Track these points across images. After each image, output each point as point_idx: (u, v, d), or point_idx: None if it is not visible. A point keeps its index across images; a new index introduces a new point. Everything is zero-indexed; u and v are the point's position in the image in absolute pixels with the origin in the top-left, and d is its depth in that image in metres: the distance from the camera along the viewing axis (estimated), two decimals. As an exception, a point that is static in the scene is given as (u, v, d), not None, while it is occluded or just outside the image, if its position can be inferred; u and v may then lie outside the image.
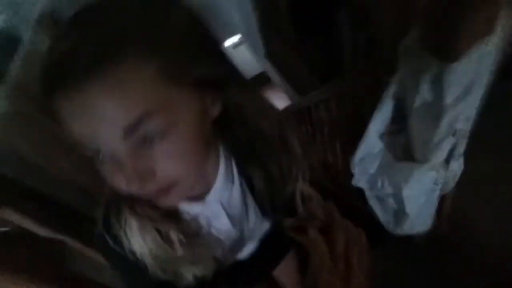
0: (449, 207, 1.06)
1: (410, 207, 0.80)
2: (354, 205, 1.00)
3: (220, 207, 0.49)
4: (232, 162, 0.49)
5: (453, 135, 0.74)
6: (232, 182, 0.49)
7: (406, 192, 0.77)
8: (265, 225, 0.55)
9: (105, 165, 0.33)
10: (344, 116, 1.32)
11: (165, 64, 0.31)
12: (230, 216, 0.50)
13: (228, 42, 4.02)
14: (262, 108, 0.46)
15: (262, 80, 3.65)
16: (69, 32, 0.30)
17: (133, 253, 0.41)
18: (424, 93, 0.76)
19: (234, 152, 0.49)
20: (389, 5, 0.92)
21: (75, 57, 0.28)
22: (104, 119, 0.29)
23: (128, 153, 0.31)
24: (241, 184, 0.51)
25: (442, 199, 0.91)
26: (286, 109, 1.83)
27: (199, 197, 0.46)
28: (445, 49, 0.67)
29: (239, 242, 0.54)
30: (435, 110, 0.76)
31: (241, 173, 0.50)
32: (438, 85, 0.72)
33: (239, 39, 3.87)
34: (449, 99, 0.72)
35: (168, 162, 0.33)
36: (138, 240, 0.41)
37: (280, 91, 2.84)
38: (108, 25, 0.29)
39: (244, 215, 0.52)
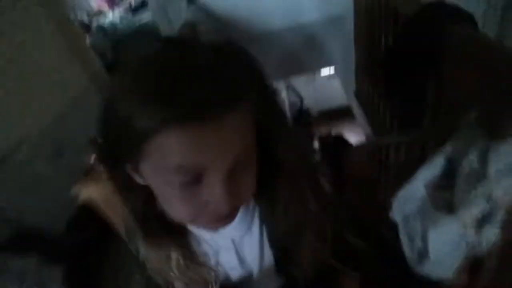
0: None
1: (433, 251, 0.93)
2: (387, 236, 1.14)
3: (231, 244, 0.50)
4: (255, 210, 0.50)
5: (488, 201, 0.85)
6: (250, 228, 0.50)
7: (432, 236, 0.91)
8: (276, 283, 0.54)
9: (185, 189, 0.34)
10: (411, 162, 1.46)
11: (255, 110, 0.36)
12: (239, 257, 0.52)
13: (323, 72, 4.30)
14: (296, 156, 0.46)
15: (345, 113, 3.83)
16: (205, 69, 0.31)
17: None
18: (472, 161, 0.89)
19: (259, 200, 0.49)
20: (469, 81, 1.06)
21: (214, 95, 0.30)
22: (226, 148, 0.33)
23: (225, 175, 0.34)
24: (261, 234, 0.51)
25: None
26: (359, 146, 2.00)
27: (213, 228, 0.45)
28: (496, 129, 0.80)
29: (245, 284, 0.54)
30: (479, 176, 0.88)
31: (263, 222, 0.51)
32: (484, 157, 0.85)
33: (333, 71, 4.10)
34: (492, 171, 0.84)
35: (246, 190, 0.39)
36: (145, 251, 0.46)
37: (358, 127, 2.98)
38: (236, 71, 0.33)
39: (256, 264, 0.53)
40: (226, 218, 0.39)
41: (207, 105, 0.30)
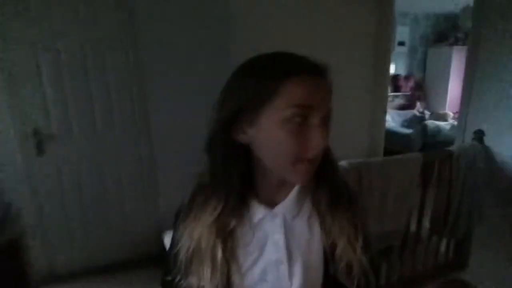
0: None
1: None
2: None
3: (282, 222, 0.55)
4: (308, 197, 0.58)
5: None
6: (301, 211, 0.57)
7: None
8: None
9: (296, 126, 0.47)
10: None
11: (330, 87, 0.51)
12: (287, 244, 0.54)
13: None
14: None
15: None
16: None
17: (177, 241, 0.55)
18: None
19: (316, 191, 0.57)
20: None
21: (321, 64, 0.50)
22: (326, 97, 0.49)
23: (323, 121, 0.48)
24: (311, 224, 0.56)
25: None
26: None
27: (271, 204, 0.55)
28: None
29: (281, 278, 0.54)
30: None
31: (316, 211, 0.57)
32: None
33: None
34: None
35: (327, 141, 0.50)
36: (188, 232, 0.54)
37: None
38: None
39: (302, 258, 0.55)
40: (315, 162, 0.50)
41: (317, 67, 0.49)
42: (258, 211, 0.55)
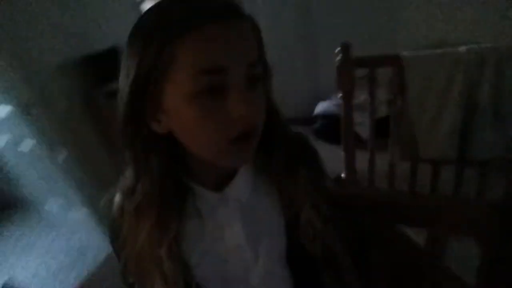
0: None
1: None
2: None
3: (236, 206, 0.49)
4: (261, 175, 0.51)
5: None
6: (256, 191, 0.50)
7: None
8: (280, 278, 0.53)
9: (212, 98, 0.37)
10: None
11: (259, 39, 0.42)
12: (247, 229, 0.49)
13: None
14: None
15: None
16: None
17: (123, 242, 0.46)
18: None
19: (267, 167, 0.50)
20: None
21: (227, 5, 0.37)
22: (242, 51, 0.38)
23: (244, 82, 0.38)
24: (269, 201, 0.51)
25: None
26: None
27: (218, 187, 0.48)
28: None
29: (246, 272, 0.51)
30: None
31: (273, 187, 0.51)
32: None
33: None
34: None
35: (260, 107, 0.41)
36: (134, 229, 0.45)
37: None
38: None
39: (265, 237, 0.51)
40: (252, 138, 0.40)
41: (221, 11, 0.36)
42: (207, 199, 0.48)
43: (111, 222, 0.50)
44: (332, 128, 2.14)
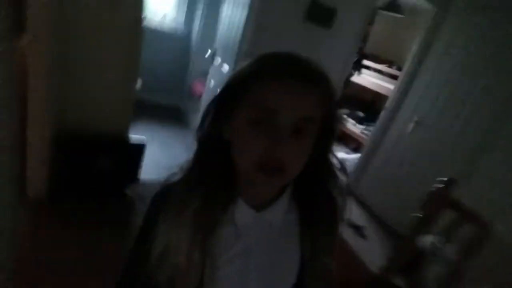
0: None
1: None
2: None
3: (268, 229, 0.55)
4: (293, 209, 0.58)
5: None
6: (288, 218, 0.57)
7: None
8: None
9: (259, 128, 0.46)
10: None
11: (326, 100, 0.49)
12: (269, 246, 0.55)
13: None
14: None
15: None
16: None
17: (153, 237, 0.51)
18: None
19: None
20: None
21: (302, 69, 0.47)
22: (297, 104, 0.46)
23: (288, 129, 0.46)
24: (290, 225, 0.57)
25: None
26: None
27: (257, 205, 0.54)
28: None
29: None
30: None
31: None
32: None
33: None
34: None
35: (296, 160, 0.48)
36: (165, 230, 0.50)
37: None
38: (317, 68, 0.49)
39: (280, 259, 0.57)
40: (276, 172, 0.46)
41: (301, 71, 0.47)
42: (244, 213, 0.54)
43: (158, 196, 0.57)
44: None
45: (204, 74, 3.24)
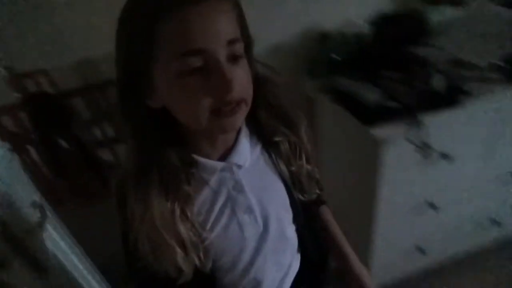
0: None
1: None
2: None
3: (242, 172, 0.52)
4: (257, 144, 0.55)
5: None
6: (254, 155, 0.54)
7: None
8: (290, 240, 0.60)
9: (196, 77, 0.39)
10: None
11: (240, 15, 0.43)
12: (254, 193, 0.53)
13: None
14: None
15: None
16: None
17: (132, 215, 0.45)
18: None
19: (256, 131, 0.55)
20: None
21: None
22: (220, 28, 0.39)
23: (225, 60, 0.39)
24: (267, 164, 0.56)
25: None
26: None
27: (220, 156, 0.51)
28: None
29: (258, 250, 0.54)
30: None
31: (268, 152, 0.56)
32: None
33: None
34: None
35: (243, 80, 0.42)
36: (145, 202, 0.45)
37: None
38: None
39: (271, 199, 0.55)
40: (238, 107, 0.42)
41: None
42: (211, 169, 0.50)
43: (120, 183, 0.50)
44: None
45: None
